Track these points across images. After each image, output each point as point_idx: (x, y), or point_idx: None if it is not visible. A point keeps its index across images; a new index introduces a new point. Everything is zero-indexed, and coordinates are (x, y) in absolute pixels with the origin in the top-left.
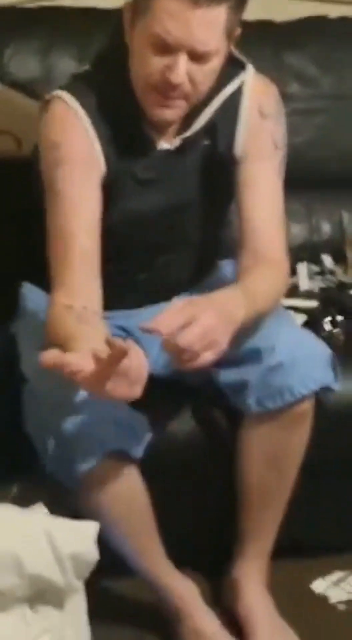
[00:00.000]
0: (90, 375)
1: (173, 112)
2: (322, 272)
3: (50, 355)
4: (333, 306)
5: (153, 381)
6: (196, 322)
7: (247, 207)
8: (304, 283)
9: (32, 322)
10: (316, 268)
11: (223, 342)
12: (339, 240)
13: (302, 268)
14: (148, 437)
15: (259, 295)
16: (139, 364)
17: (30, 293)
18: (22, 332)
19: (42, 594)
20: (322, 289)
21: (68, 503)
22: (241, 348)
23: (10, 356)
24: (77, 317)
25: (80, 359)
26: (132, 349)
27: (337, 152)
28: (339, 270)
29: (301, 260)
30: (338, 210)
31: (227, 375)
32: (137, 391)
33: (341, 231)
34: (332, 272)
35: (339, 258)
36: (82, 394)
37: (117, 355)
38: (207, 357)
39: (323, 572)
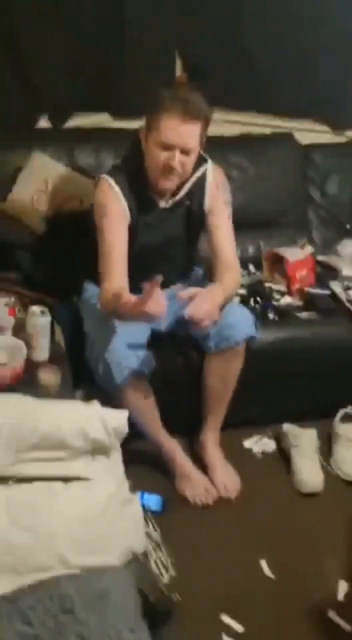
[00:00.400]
0: (134, 303)
1: (171, 183)
2: (249, 274)
3: (118, 293)
4: (255, 293)
5: (158, 333)
6: (203, 308)
7: (216, 241)
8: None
9: (88, 303)
10: (245, 272)
11: (215, 316)
12: (258, 256)
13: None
14: (153, 364)
15: (229, 287)
16: (161, 295)
17: (89, 286)
18: (84, 308)
19: (98, 450)
20: (248, 284)
21: (110, 401)
22: None
23: (79, 319)
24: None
25: (130, 297)
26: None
27: (257, 209)
28: (258, 273)
29: None
30: (258, 240)
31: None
32: (163, 309)
33: (259, 251)
34: (254, 274)
35: (259, 266)
36: (118, 341)
37: (155, 284)
38: (207, 324)
39: (249, 436)
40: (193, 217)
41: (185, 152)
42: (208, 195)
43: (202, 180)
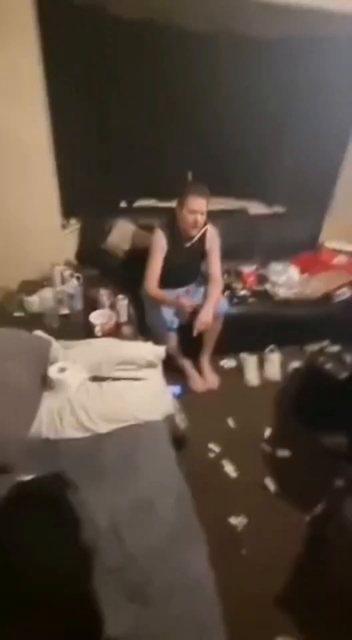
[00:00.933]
0: (175, 300)
1: (195, 231)
2: (225, 279)
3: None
4: (228, 288)
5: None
6: (204, 319)
7: (211, 266)
8: None
9: (145, 294)
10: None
11: (210, 322)
12: (230, 271)
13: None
14: (177, 324)
15: (217, 298)
16: (190, 297)
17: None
18: (143, 296)
19: (150, 365)
20: (225, 284)
21: (156, 342)
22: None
23: (142, 302)
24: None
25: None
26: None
27: (228, 248)
28: (228, 278)
29: None
30: (229, 262)
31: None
32: (190, 303)
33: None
34: (227, 279)
35: (230, 275)
36: (162, 315)
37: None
38: (207, 325)
39: (223, 359)
40: (199, 252)
41: (201, 214)
42: (208, 241)
43: (205, 232)
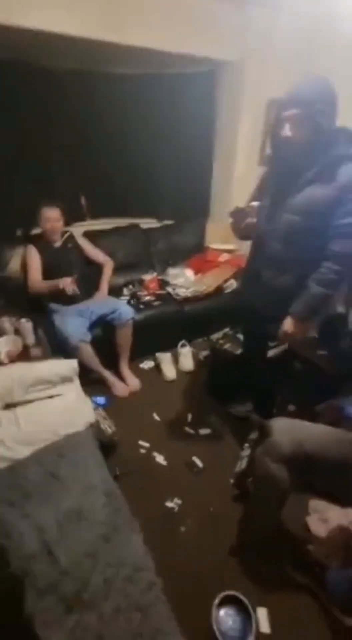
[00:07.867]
0: (57, 283)
1: (56, 236)
2: (130, 289)
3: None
4: (133, 297)
5: (93, 321)
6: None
7: (94, 256)
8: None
9: (52, 313)
10: (128, 288)
11: (106, 292)
12: (132, 282)
13: (126, 290)
14: (90, 336)
15: (109, 273)
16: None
17: (51, 305)
18: (52, 314)
19: (65, 379)
20: (130, 293)
21: (71, 356)
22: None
23: (51, 319)
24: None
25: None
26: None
27: (127, 259)
28: (133, 288)
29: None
30: (130, 273)
31: (112, 318)
32: (70, 281)
33: (132, 279)
34: (132, 289)
35: (134, 285)
36: (71, 327)
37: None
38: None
39: (141, 361)
40: (73, 250)
41: (56, 221)
42: (79, 240)
43: (71, 235)
